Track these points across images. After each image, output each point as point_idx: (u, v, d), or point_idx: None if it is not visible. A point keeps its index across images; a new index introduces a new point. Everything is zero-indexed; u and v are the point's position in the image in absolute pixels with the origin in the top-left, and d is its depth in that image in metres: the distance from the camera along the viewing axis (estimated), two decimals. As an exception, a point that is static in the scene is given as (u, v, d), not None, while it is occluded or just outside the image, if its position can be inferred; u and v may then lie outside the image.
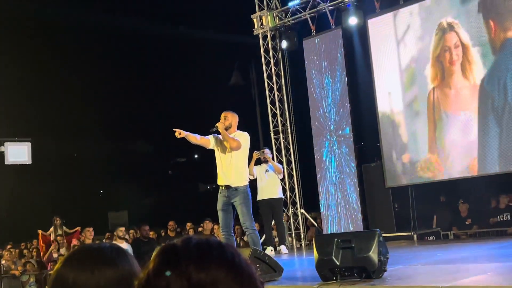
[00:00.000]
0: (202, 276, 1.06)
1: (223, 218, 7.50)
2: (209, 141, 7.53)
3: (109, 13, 20.60)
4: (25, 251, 14.97)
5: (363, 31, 12.15)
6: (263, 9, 13.48)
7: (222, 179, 7.51)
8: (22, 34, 18.87)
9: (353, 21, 12.20)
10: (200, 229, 13.16)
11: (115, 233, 11.60)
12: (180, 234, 13.68)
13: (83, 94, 21.58)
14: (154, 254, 1.16)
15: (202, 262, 1.09)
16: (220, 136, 7.48)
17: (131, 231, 13.74)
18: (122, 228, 11.58)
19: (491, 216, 11.23)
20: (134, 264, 1.52)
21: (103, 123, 22.64)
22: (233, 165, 7.44)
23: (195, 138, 7.45)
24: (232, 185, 7.40)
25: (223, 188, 7.48)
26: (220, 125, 7.37)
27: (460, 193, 11.91)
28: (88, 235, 11.69)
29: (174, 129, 7.29)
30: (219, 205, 7.51)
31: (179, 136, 7.29)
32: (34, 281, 12.55)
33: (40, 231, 14.20)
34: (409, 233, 11.17)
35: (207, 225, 12.24)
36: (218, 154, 7.57)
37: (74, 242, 13.51)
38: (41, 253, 13.73)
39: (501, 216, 11.03)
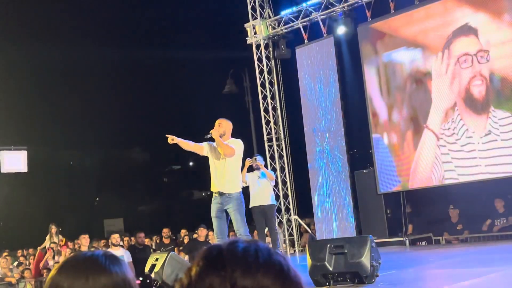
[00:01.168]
0: (248, 282, 1.03)
1: (218, 225, 7.55)
2: (202, 148, 7.58)
3: (107, 25, 20.72)
4: (21, 258, 14.99)
5: (354, 39, 12.31)
6: (256, 19, 13.63)
7: (215, 186, 7.56)
8: (18, 43, 18.95)
9: (344, 29, 12.38)
10: (195, 235, 13.24)
11: (109, 240, 11.67)
12: (174, 241, 13.76)
13: (78, 103, 21.65)
14: (198, 256, 1.12)
15: (249, 268, 1.05)
16: (214, 143, 7.55)
17: (126, 238, 13.80)
18: (116, 235, 11.64)
19: (483, 221, 11.32)
20: (127, 271, 1.53)
21: (98, 132, 22.69)
22: (227, 172, 7.50)
23: (187, 145, 7.51)
24: (225, 192, 7.46)
25: (217, 195, 7.53)
26: (214, 132, 7.44)
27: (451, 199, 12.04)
28: (84, 242, 11.72)
29: (167, 135, 7.39)
30: (213, 212, 7.56)
31: (171, 142, 7.37)
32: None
33: (39, 249, 14.26)
34: (401, 239, 11.31)
35: (202, 231, 12.30)
36: (211, 161, 7.62)
37: (64, 249, 13.54)
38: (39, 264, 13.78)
39: (498, 220, 11.09)
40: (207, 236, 12.23)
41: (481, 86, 10.37)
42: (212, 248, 1.12)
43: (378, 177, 11.78)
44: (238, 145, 7.56)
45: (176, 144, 7.53)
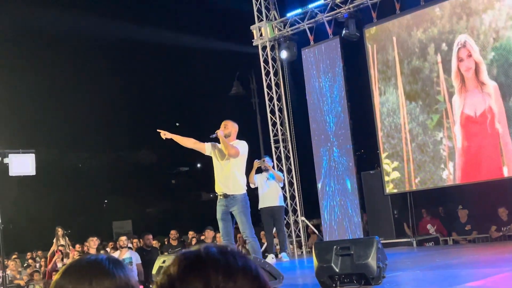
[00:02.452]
0: (230, 286, 1.06)
1: (223, 227, 7.57)
2: (205, 147, 7.58)
3: (114, 24, 20.77)
4: (30, 260, 15.08)
5: (361, 40, 12.31)
6: (262, 20, 13.66)
7: (220, 187, 7.57)
8: (27, 47, 19.05)
9: (350, 30, 12.38)
10: (202, 237, 13.28)
11: (117, 243, 11.73)
12: (182, 242, 13.81)
13: (86, 105, 21.74)
14: (175, 259, 1.15)
15: (230, 272, 1.08)
16: (218, 144, 7.58)
17: (135, 240, 13.86)
18: (123, 237, 11.70)
19: (491, 222, 11.32)
20: (131, 275, 1.55)
21: (106, 134, 22.77)
22: (231, 173, 7.51)
23: (187, 141, 7.50)
24: (229, 193, 7.49)
25: (221, 197, 7.55)
26: (219, 132, 7.49)
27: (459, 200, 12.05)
28: (92, 245, 11.78)
29: (158, 130, 7.42)
30: (219, 215, 7.57)
31: (164, 137, 7.40)
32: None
33: (49, 254, 14.34)
34: (409, 239, 11.30)
35: (209, 233, 12.34)
36: (216, 162, 7.63)
37: (72, 252, 13.61)
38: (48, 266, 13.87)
39: (504, 228, 11.09)
40: (214, 237, 12.26)
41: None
42: (190, 252, 1.14)
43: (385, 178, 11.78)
44: (242, 146, 7.58)
45: (184, 146, 7.56)
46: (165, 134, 7.36)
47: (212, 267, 1.09)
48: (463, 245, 11.15)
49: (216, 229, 11.75)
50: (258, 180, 10.88)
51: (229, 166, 7.49)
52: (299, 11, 13.16)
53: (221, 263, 1.09)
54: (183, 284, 1.08)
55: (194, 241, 13.80)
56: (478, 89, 10.44)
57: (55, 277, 1.53)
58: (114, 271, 1.51)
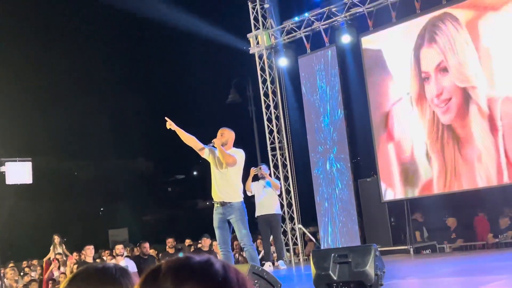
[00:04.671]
0: None
1: (220, 235, 7.58)
2: (204, 149, 7.59)
3: (111, 34, 20.84)
4: (26, 269, 15.03)
5: (356, 48, 12.37)
6: (259, 29, 13.71)
7: (217, 195, 7.58)
8: (22, 53, 19.05)
9: (346, 39, 12.46)
10: (199, 245, 13.27)
11: (114, 251, 11.74)
12: (179, 250, 13.79)
13: (83, 114, 21.74)
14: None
15: (180, 278, 1.11)
16: (216, 151, 7.60)
17: (135, 248, 13.85)
18: (120, 246, 11.71)
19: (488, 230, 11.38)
20: (136, 283, 1.59)
21: (102, 142, 22.76)
22: (229, 181, 7.53)
23: (188, 138, 7.49)
24: (227, 201, 7.50)
25: (218, 205, 7.56)
26: (216, 141, 7.50)
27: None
28: (89, 253, 11.78)
29: (166, 118, 7.43)
30: (215, 223, 7.58)
31: (168, 127, 7.41)
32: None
33: (45, 260, 14.31)
34: (406, 247, 11.33)
35: (205, 241, 12.33)
36: (213, 170, 7.65)
37: (70, 259, 13.59)
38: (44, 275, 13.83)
39: (501, 236, 11.14)
40: (211, 245, 12.26)
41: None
42: (156, 265, 1.19)
43: (382, 185, 11.81)
44: (239, 154, 7.61)
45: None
46: (171, 125, 7.38)
47: (163, 274, 1.13)
48: (460, 252, 11.18)
49: (212, 237, 11.77)
50: (255, 188, 10.90)
51: (227, 175, 7.51)
52: (295, 19, 13.22)
53: (172, 270, 1.13)
54: None
55: (192, 249, 13.80)
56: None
57: (61, 285, 1.56)
58: (121, 279, 1.54)
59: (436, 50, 10.88)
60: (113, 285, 1.52)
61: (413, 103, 11.28)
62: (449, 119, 10.74)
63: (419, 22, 11.23)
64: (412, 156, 11.38)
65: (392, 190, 11.68)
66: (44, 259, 14.32)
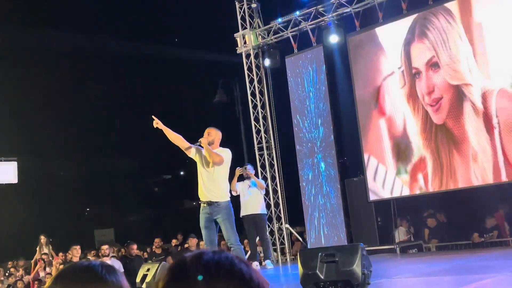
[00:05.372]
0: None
1: (207, 235, 7.57)
2: (191, 148, 7.58)
3: (95, 34, 20.70)
4: (12, 269, 14.94)
5: (344, 48, 12.41)
6: (246, 28, 13.71)
7: (204, 195, 7.57)
8: (9, 55, 18.91)
9: (334, 39, 12.50)
10: (186, 245, 13.26)
11: (99, 251, 11.71)
12: (166, 250, 13.77)
13: (68, 113, 21.62)
14: (164, 270, 1.19)
15: (211, 277, 1.11)
16: (203, 150, 7.59)
17: (122, 249, 13.82)
18: (105, 246, 11.71)
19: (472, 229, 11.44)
20: (123, 281, 1.55)
21: (88, 142, 22.65)
22: (215, 181, 7.53)
23: (177, 138, 7.48)
24: (214, 201, 7.50)
25: (205, 205, 7.55)
26: (203, 140, 7.49)
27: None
28: (75, 253, 11.74)
29: (153, 117, 7.42)
30: (202, 222, 7.57)
31: (155, 126, 7.39)
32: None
33: (32, 262, 14.23)
34: (392, 246, 11.37)
35: (192, 241, 12.33)
36: (200, 169, 7.64)
37: (56, 259, 13.52)
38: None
39: (487, 235, 11.20)
40: (198, 245, 12.26)
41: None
42: (178, 261, 1.18)
43: (368, 185, 11.84)
44: (226, 153, 7.62)
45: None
46: (157, 123, 7.37)
47: (193, 273, 1.11)
48: (446, 252, 11.24)
49: (198, 236, 11.76)
50: (240, 187, 10.92)
51: (214, 174, 7.51)
52: (282, 19, 13.23)
53: (202, 268, 1.12)
54: None
55: (179, 249, 13.80)
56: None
57: (47, 284, 1.53)
58: (107, 276, 1.51)
59: (427, 45, 10.84)
60: (98, 282, 1.49)
61: (406, 78, 11.22)
62: (441, 118, 10.70)
63: (405, 23, 11.27)
64: (404, 131, 11.32)
65: (384, 166, 11.64)
66: (32, 261, 14.23)
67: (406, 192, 11.37)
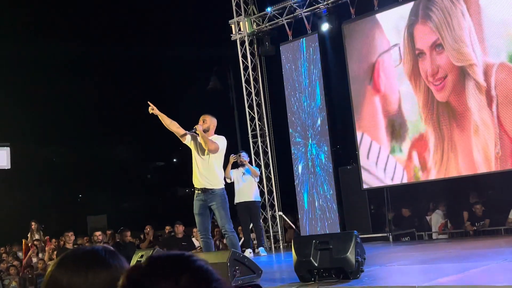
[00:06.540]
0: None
1: (201, 222, 7.57)
2: (186, 135, 7.55)
3: (85, 21, 20.62)
4: (4, 255, 14.91)
5: (338, 36, 12.36)
6: (241, 15, 13.63)
7: (199, 182, 7.56)
8: (2, 39, 18.79)
9: (328, 26, 12.44)
10: (172, 233, 13.23)
11: (92, 238, 11.71)
12: (157, 237, 13.78)
13: (62, 99, 21.53)
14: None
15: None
16: (198, 138, 7.56)
17: (116, 234, 13.81)
18: (98, 232, 11.71)
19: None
20: (126, 265, 1.55)
21: (81, 128, 22.59)
22: (210, 168, 7.53)
23: (172, 124, 7.45)
24: (208, 188, 7.49)
25: (199, 191, 7.55)
26: (199, 128, 7.48)
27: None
28: (68, 240, 11.71)
29: (149, 102, 7.39)
30: (196, 209, 7.57)
31: (151, 112, 7.36)
32: (17, 285, 12.55)
33: (24, 241, 14.19)
34: (385, 234, 11.41)
35: (178, 228, 12.29)
36: (195, 156, 7.62)
37: (49, 245, 13.50)
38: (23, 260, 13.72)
39: (478, 224, 11.24)
40: (184, 231, 12.25)
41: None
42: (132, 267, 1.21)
43: (362, 173, 11.83)
44: (221, 141, 7.61)
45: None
46: (153, 109, 7.34)
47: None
48: (439, 240, 11.28)
49: (189, 223, 11.75)
50: (234, 175, 10.94)
51: (209, 161, 7.50)
52: (278, 6, 13.16)
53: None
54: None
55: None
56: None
57: (50, 268, 1.51)
58: (110, 261, 1.52)
59: (431, 27, 10.69)
60: (101, 267, 1.50)
61: (407, 56, 11.14)
62: (445, 96, 10.56)
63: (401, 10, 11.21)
64: (399, 109, 11.27)
65: (378, 143, 11.59)
66: (23, 246, 14.19)
67: (399, 171, 11.28)
